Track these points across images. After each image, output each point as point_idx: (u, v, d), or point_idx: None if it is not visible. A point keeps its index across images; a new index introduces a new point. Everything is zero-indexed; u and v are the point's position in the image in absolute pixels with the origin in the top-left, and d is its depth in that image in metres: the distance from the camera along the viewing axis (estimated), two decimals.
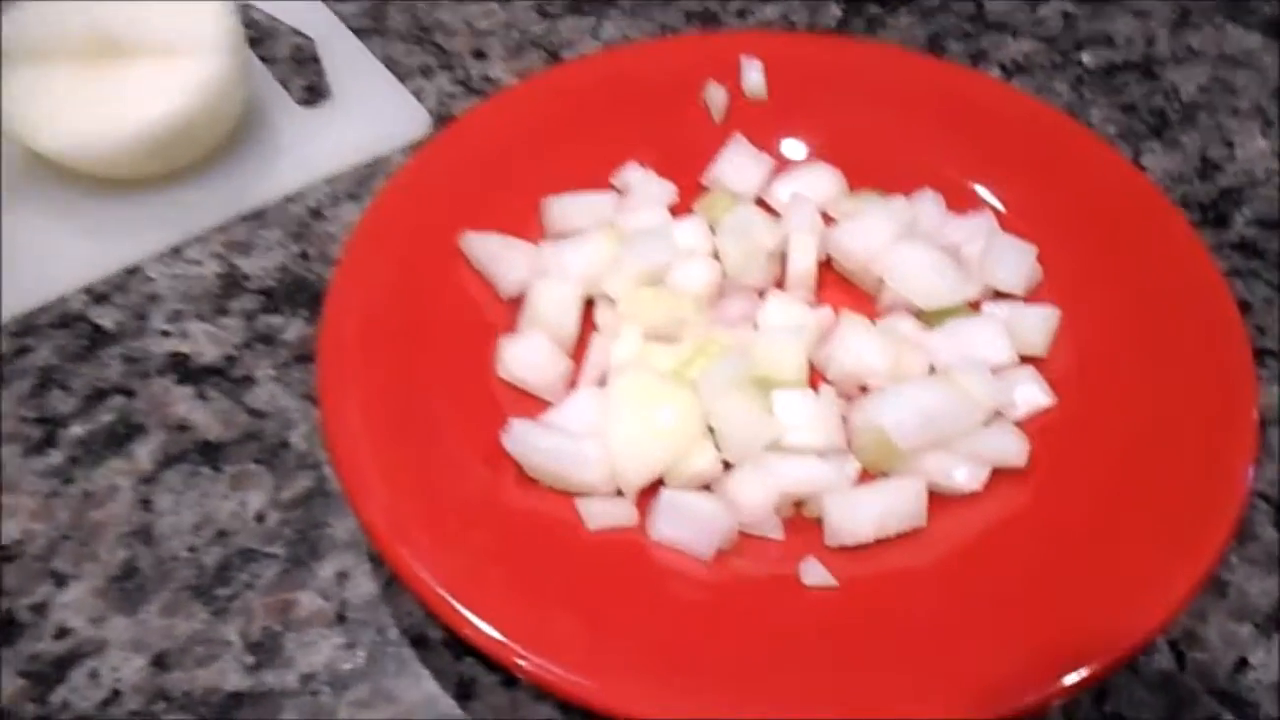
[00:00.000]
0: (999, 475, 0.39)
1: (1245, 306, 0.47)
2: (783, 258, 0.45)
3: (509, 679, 0.37)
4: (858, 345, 0.41)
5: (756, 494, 0.37)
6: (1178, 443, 0.38)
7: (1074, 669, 0.32)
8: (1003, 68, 0.57)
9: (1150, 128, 0.54)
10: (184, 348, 0.46)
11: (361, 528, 0.36)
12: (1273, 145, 0.53)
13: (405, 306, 0.42)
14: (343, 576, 0.39)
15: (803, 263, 0.44)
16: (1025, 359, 0.42)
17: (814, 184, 0.47)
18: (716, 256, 0.44)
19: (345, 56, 0.57)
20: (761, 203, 0.47)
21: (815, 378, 0.41)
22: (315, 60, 0.57)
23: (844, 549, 0.37)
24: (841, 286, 0.45)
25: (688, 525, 0.37)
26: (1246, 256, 0.49)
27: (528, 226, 0.46)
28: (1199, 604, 0.38)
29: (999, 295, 0.44)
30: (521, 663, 0.33)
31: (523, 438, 0.38)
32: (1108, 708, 0.36)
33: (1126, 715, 0.36)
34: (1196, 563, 0.35)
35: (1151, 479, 0.37)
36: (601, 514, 0.37)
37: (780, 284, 0.45)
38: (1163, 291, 0.42)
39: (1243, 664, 0.37)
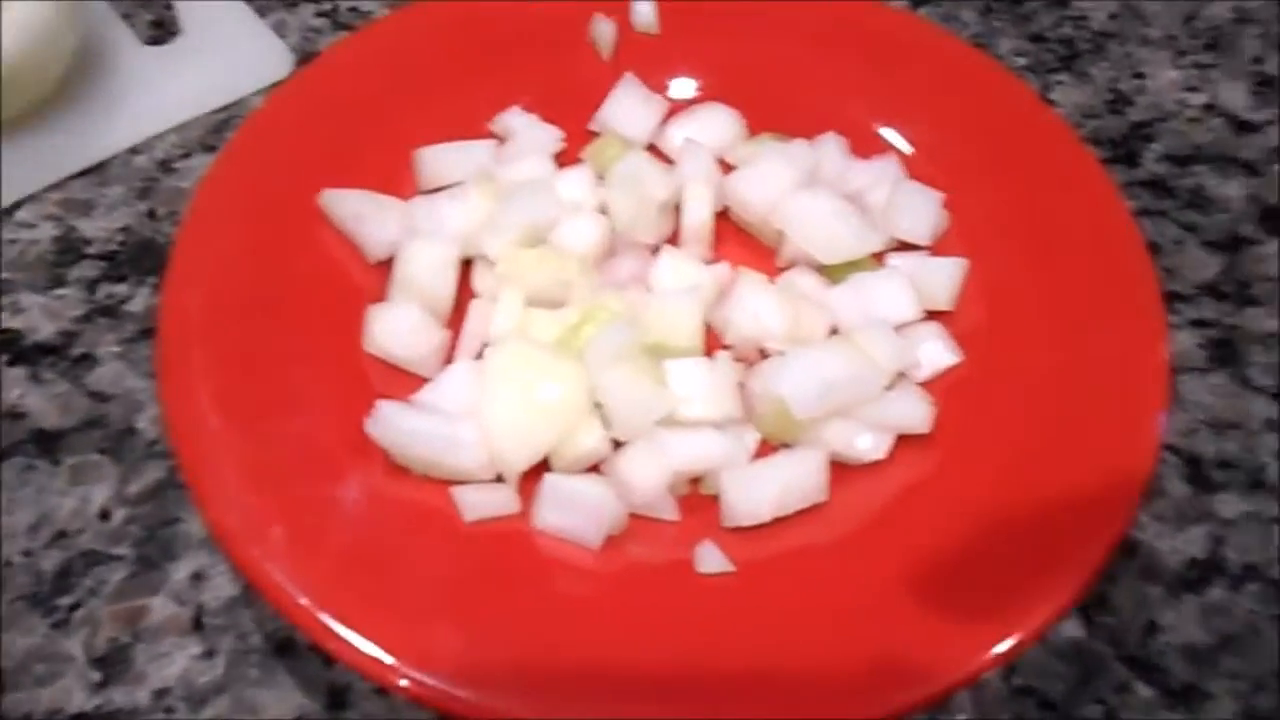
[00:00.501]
0: (903, 441, 0.36)
1: (1155, 248, 0.44)
2: (676, 210, 0.41)
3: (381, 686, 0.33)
4: (755, 306, 0.37)
5: (649, 474, 0.34)
6: (1087, 397, 0.36)
7: (986, 648, 0.30)
8: None
9: (1059, 58, 0.51)
10: (15, 323, 0.40)
11: (207, 527, 0.32)
12: (1184, 76, 0.51)
13: (259, 272, 0.37)
14: (198, 578, 0.35)
15: (698, 215, 0.40)
16: (931, 313, 0.39)
17: (710, 127, 0.43)
18: (604, 211, 0.40)
19: None
20: (654, 149, 0.43)
21: (712, 341, 0.38)
22: None
23: (742, 530, 0.34)
24: (739, 240, 0.42)
25: (574, 511, 0.33)
26: (1156, 195, 0.47)
27: (398, 179, 0.41)
28: (1107, 565, 0.36)
29: (904, 246, 0.41)
30: (395, 678, 0.29)
31: (390, 422, 0.34)
32: (1017, 680, 0.34)
33: (1036, 688, 0.34)
34: (1110, 526, 0.32)
35: (1061, 438, 0.35)
36: (480, 503, 0.33)
37: (674, 239, 0.41)
38: (1073, 237, 0.39)
39: (1153, 627, 0.35)
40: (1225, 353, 0.42)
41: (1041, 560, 0.32)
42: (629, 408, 0.34)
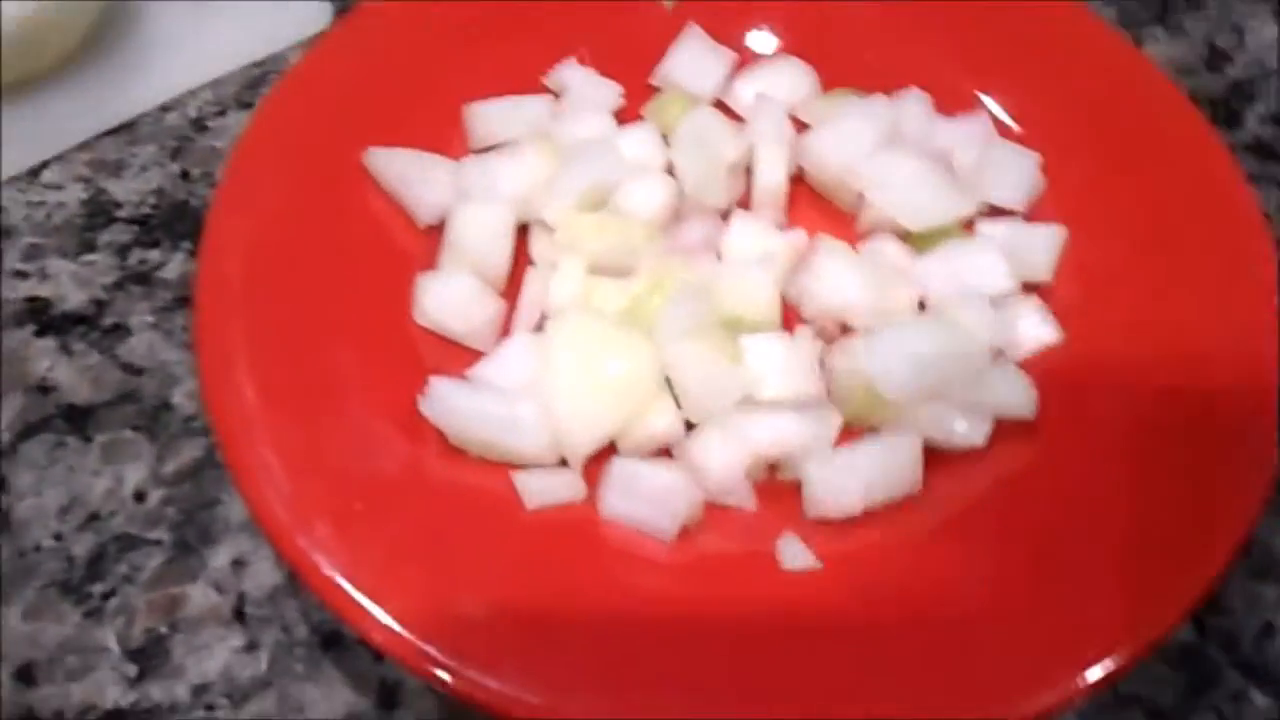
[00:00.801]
0: (1002, 427, 0.33)
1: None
2: (747, 172, 0.38)
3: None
4: (837, 277, 0.34)
5: (725, 458, 0.31)
6: (1203, 380, 0.32)
7: (1096, 661, 0.27)
8: None
9: (1152, 11, 0.47)
10: (43, 291, 0.38)
11: (249, 512, 0.30)
12: None
13: (300, 238, 0.35)
14: (239, 565, 0.33)
15: (772, 177, 0.37)
16: (1028, 286, 0.36)
17: (782, 83, 0.39)
18: (671, 172, 0.37)
19: None
20: (721, 106, 0.40)
21: (789, 315, 0.35)
22: None
23: (827, 521, 0.31)
24: (816, 204, 0.38)
25: (645, 499, 0.30)
26: (1261, 159, 0.43)
27: (448, 138, 0.38)
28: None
29: (996, 212, 0.37)
30: (448, 677, 0.27)
31: (445, 400, 0.31)
32: (1122, 689, 0.31)
33: (1143, 696, 0.31)
34: (1233, 526, 0.29)
35: (1174, 426, 0.32)
36: (542, 489, 0.31)
37: (745, 203, 0.38)
38: (1181, 204, 0.36)
39: (1269, 630, 0.32)
40: None
41: (1155, 562, 0.29)
42: (702, 387, 0.31)
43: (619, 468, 0.31)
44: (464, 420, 0.31)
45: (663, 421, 0.31)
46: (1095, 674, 0.27)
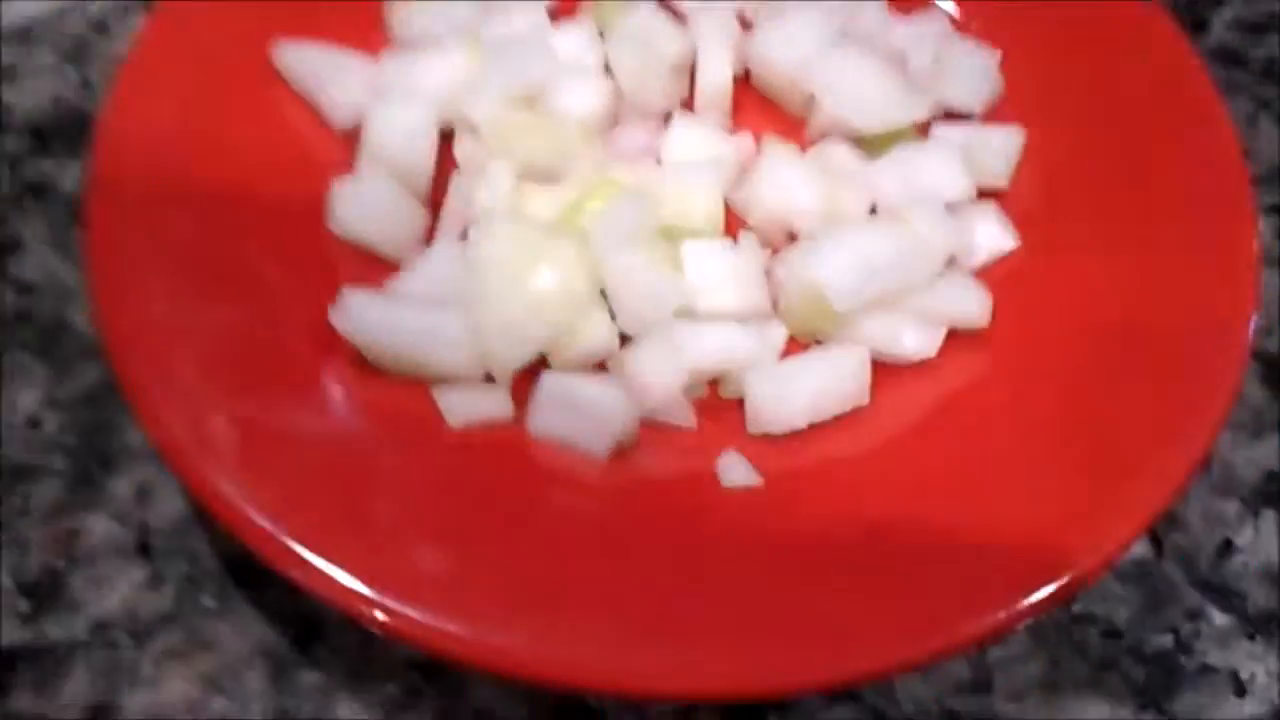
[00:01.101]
0: (954, 338, 0.31)
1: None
2: (691, 72, 0.35)
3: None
4: (784, 181, 0.32)
5: (663, 373, 0.29)
6: (1164, 290, 0.31)
7: (1049, 580, 0.26)
8: None
9: None
10: None
11: (149, 439, 0.27)
12: None
13: (204, 143, 0.32)
14: (143, 494, 0.30)
15: (716, 78, 0.34)
16: (984, 192, 0.34)
17: None
18: (608, 73, 0.35)
19: None
20: (664, 4, 0.37)
21: (733, 223, 0.33)
22: None
23: (770, 437, 0.29)
24: (762, 108, 0.36)
25: (577, 416, 0.28)
26: (1226, 66, 0.41)
27: (365, 33, 0.35)
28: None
29: (952, 115, 0.35)
30: (370, 610, 0.25)
31: (360, 314, 0.28)
32: (1078, 608, 0.30)
33: (1098, 614, 0.30)
34: (1192, 441, 0.28)
35: (1134, 337, 0.30)
36: (466, 406, 0.28)
37: (688, 105, 0.35)
38: (1146, 109, 0.34)
39: (1228, 547, 0.31)
40: None
41: (1110, 478, 0.28)
42: (639, 297, 0.29)
43: (549, 383, 0.29)
44: (380, 334, 0.28)
45: (597, 334, 0.29)
46: (1047, 591, 0.25)
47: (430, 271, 0.30)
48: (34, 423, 0.31)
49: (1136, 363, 0.30)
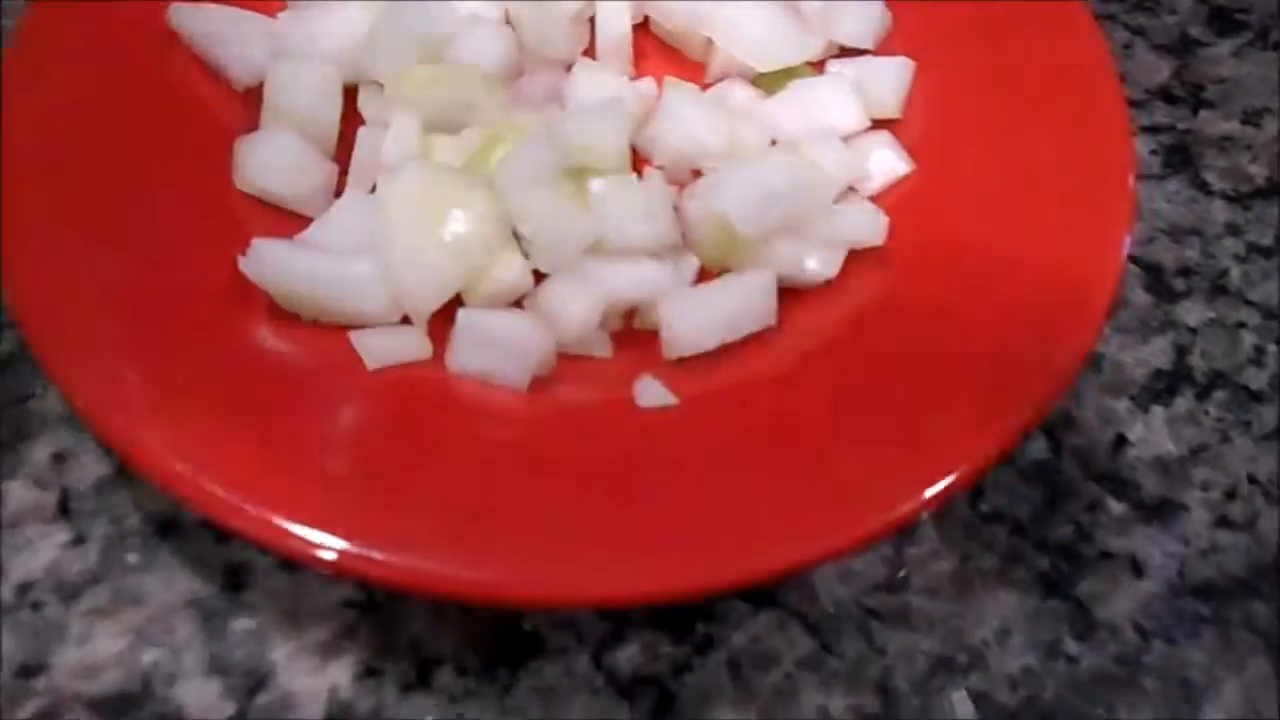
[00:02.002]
0: (854, 259, 0.32)
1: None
2: (591, 23, 0.36)
3: (289, 560, 0.29)
4: (686, 118, 0.32)
5: (578, 307, 0.29)
6: (1049, 208, 0.32)
7: (946, 472, 0.27)
8: None
9: None
10: None
11: (63, 395, 0.27)
12: None
13: (104, 108, 0.31)
14: (60, 458, 0.30)
15: (616, 27, 0.35)
16: (878, 122, 0.35)
17: None
18: (509, 24, 0.35)
19: None
20: None
21: (639, 163, 0.33)
22: None
23: (685, 362, 0.30)
24: (663, 54, 0.36)
25: (495, 351, 0.29)
26: None
27: None
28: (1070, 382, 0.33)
29: (846, 53, 0.36)
30: (300, 547, 0.25)
31: (270, 260, 0.28)
32: (983, 506, 0.31)
33: (1003, 512, 0.31)
34: (1074, 341, 0.29)
35: (1022, 251, 0.31)
36: (384, 348, 0.29)
37: (590, 55, 0.36)
38: (1027, 35, 0.35)
39: (1121, 442, 0.33)
40: (1179, 158, 0.39)
41: (1003, 379, 0.29)
42: (552, 234, 0.30)
43: (465, 319, 0.29)
44: (293, 280, 0.28)
45: (511, 273, 0.30)
46: (944, 483, 0.27)
47: (340, 221, 0.30)
48: None
49: (1023, 273, 0.31)
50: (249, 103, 0.33)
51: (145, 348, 0.28)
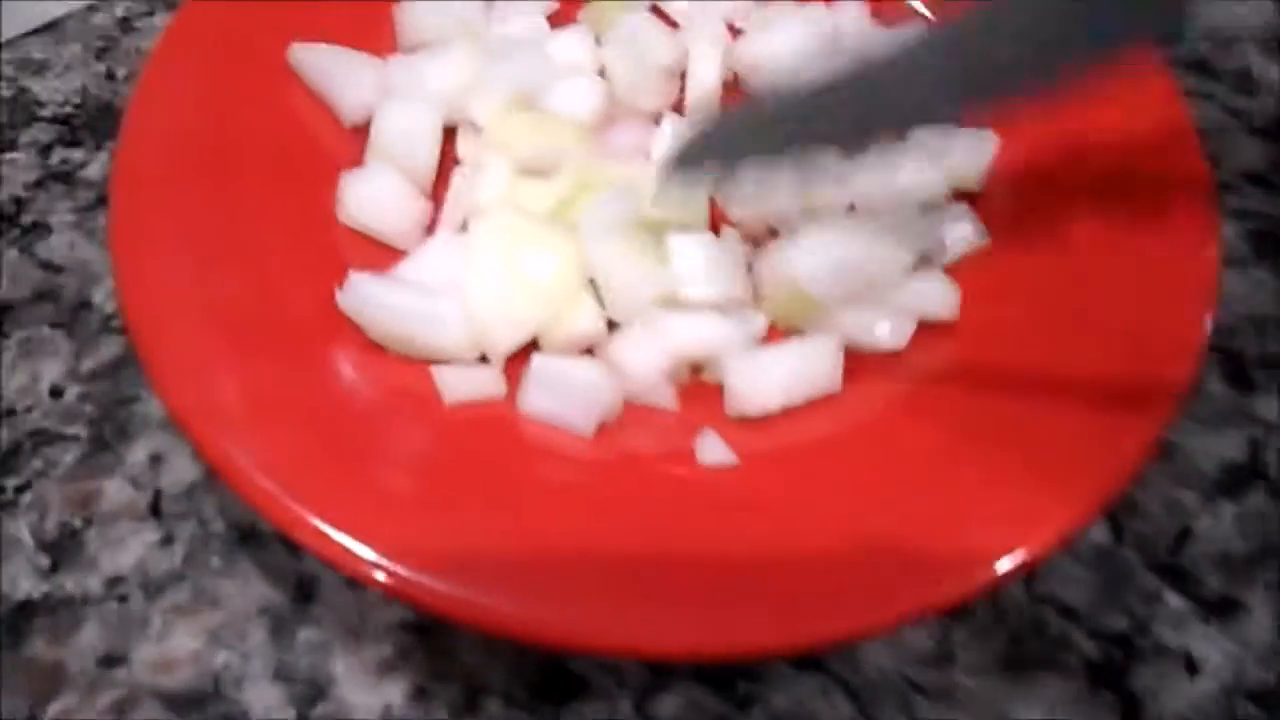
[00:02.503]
0: (923, 329, 0.32)
1: (1198, 133, 0.40)
2: (682, 76, 0.37)
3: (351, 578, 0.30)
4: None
5: (646, 358, 0.30)
6: (1126, 286, 0.32)
7: (1005, 553, 0.27)
8: None
9: None
10: None
11: (164, 405, 0.29)
12: None
13: (222, 135, 0.33)
14: (156, 460, 0.32)
15: (705, 80, 0.36)
16: (958, 194, 0.35)
17: None
18: (603, 75, 0.36)
19: None
20: (657, 11, 0.38)
21: (716, 219, 0.34)
22: None
23: (747, 420, 0.30)
24: None
25: (564, 395, 0.30)
26: (1200, 77, 0.42)
27: (376, 35, 0.36)
28: (1139, 469, 0.32)
29: None
30: (366, 569, 0.26)
31: (364, 295, 0.30)
32: (1039, 589, 0.31)
33: (1059, 596, 0.31)
34: (1144, 428, 0.29)
35: (1095, 332, 0.31)
36: (461, 384, 0.30)
37: (678, 108, 0.37)
38: (1115, 113, 0.35)
39: (1186, 534, 0.32)
40: (1269, 246, 0.38)
41: (1069, 461, 0.29)
42: (625, 285, 0.31)
43: (539, 364, 0.30)
44: (383, 315, 0.30)
45: (585, 320, 0.31)
46: (1004, 566, 0.27)
47: (431, 259, 0.31)
48: (56, 393, 0.33)
49: (1095, 353, 0.31)
50: (358, 138, 0.34)
51: (241, 364, 0.29)
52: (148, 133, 0.33)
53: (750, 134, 0.28)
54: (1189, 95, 0.41)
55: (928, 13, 0.38)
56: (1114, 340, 0.31)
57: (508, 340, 0.30)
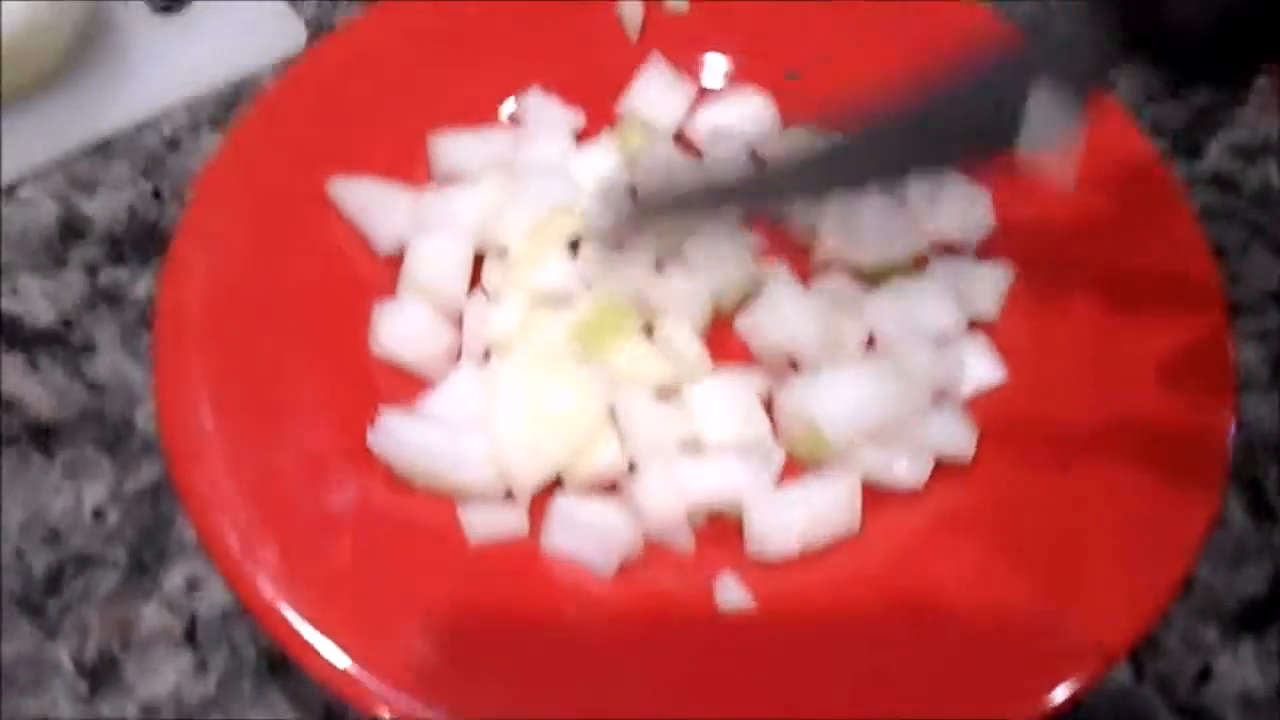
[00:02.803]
0: (941, 466, 0.32)
1: (1219, 251, 0.40)
2: None
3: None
4: (787, 316, 0.34)
5: (666, 502, 0.31)
6: (1144, 418, 0.32)
7: (1029, 699, 0.27)
8: None
9: None
10: (14, 307, 0.38)
11: (198, 538, 0.30)
12: None
13: (262, 264, 0.35)
14: (193, 586, 0.33)
15: None
16: (975, 323, 0.35)
17: (741, 116, 0.39)
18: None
19: None
20: (681, 138, 0.39)
21: (738, 349, 0.35)
22: None
23: (766, 560, 0.31)
24: (770, 230, 0.37)
25: (586, 537, 0.30)
26: (1221, 192, 0.42)
27: (412, 165, 0.38)
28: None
29: (947, 246, 0.37)
30: (389, 709, 0.27)
31: (393, 433, 0.31)
32: None
33: None
34: (1168, 573, 0.29)
35: (1114, 467, 0.32)
36: (487, 523, 0.30)
37: None
38: (1130, 241, 0.36)
39: (1207, 673, 0.32)
40: None
41: (1091, 603, 0.29)
42: (645, 428, 0.31)
43: (561, 505, 0.31)
44: (411, 454, 0.31)
45: (607, 457, 0.31)
46: (1028, 712, 0.27)
47: (455, 393, 0.32)
48: (98, 515, 0.34)
49: (1116, 492, 0.31)
50: (391, 268, 0.35)
51: (275, 500, 0.30)
52: (190, 262, 0.34)
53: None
54: (1209, 212, 0.41)
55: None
56: (1132, 478, 0.31)
57: (534, 477, 0.31)
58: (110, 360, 0.37)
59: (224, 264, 0.34)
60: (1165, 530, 0.30)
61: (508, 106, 0.39)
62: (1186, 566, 0.30)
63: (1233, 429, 0.32)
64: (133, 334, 0.37)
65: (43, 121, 0.42)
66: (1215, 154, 0.43)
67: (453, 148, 0.37)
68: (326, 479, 0.31)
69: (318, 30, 0.45)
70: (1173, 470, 0.31)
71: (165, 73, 0.43)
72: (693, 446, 0.32)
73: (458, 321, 0.35)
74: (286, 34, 0.45)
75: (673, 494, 0.31)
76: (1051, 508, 0.31)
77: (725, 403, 0.32)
